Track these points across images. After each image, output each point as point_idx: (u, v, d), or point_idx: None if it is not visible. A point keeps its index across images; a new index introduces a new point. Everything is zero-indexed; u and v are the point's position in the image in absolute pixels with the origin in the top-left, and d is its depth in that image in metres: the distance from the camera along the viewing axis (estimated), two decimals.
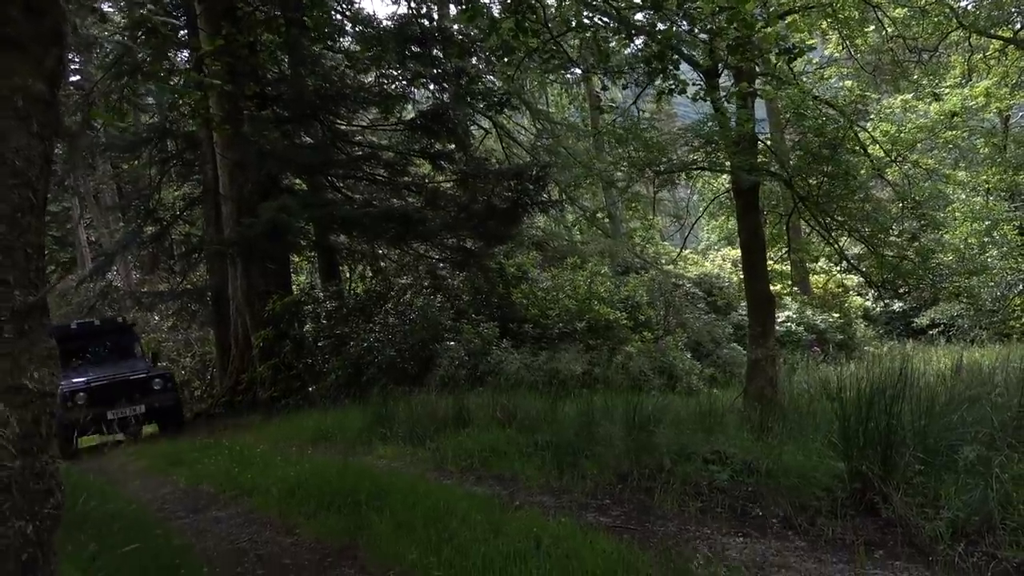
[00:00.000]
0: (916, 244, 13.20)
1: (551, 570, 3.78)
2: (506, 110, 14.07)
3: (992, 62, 19.19)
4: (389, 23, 13.23)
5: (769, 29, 7.80)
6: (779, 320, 17.87)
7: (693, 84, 8.50)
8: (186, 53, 15.75)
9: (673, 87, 7.91)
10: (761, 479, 5.16)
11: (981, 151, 21.61)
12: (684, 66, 8.65)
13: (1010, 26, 18.01)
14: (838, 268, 24.39)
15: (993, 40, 18.18)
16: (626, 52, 9.29)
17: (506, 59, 9.95)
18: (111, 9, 20.13)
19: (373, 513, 5.15)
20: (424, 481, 6.29)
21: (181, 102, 13.69)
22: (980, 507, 4.00)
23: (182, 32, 14.88)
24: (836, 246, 11.52)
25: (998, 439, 4.61)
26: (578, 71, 15.82)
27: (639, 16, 8.74)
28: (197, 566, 4.55)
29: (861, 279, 21.22)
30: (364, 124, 16.32)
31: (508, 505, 5.31)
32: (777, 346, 10.15)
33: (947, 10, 15.05)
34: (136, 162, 17.58)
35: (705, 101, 8.66)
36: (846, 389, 5.65)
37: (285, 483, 6.34)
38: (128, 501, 6.49)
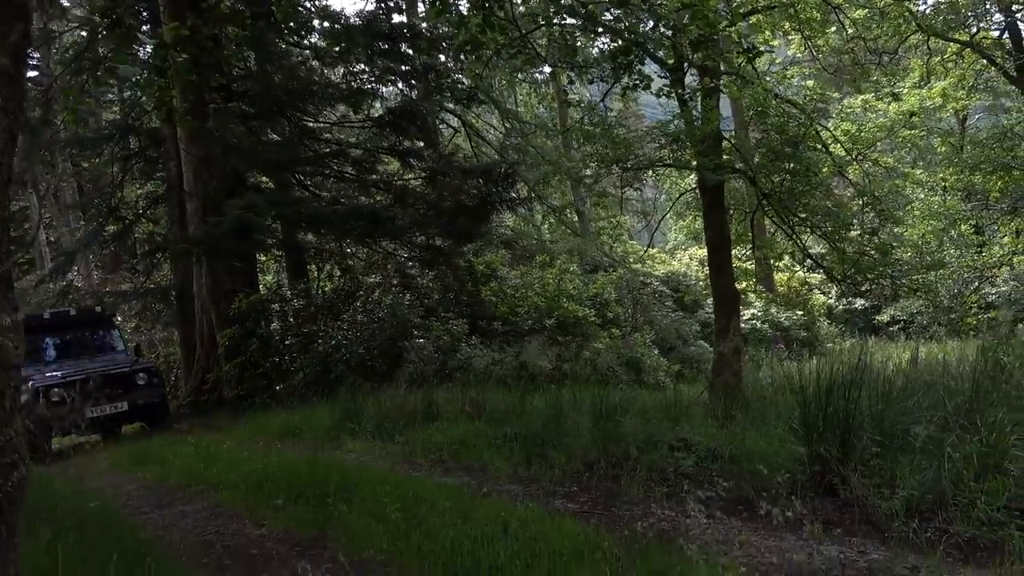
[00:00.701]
0: (876, 240, 13.49)
1: (519, 551, 3.83)
2: (474, 108, 14.09)
3: (950, 64, 19.71)
4: (357, 19, 13.17)
5: (732, 28, 7.96)
6: (744, 318, 18.15)
7: (660, 77, 8.64)
8: (149, 48, 15.48)
9: (638, 83, 8.02)
10: (725, 464, 5.28)
11: (939, 150, 22.17)
12: (651, 65, 8.78)
13: (966, 30, 18.54)
14: (802, 266, 24.81)
15: (950, 43, 18.68)
16: (593, 49, 9.39)
17: (474, 56, 9.97)
18: (68, 3, 19.75)
19: (342, 504, 5.14)
20: (394, 473, 6.31)
21: (143, 97, 13.43)
22: (933, 485, 4.15)
23: (144, 27, 14.64)
24: (799, 242, 11.74)
25: (951, 421, 4.76)
26: (546, 69, 15.93)
27: (606, 13, 8.84)
28: (164, 558, 4.50)
29: (824, 277, 21.60)
30: (332, 121, 16.20)
31: (476, 493, 5.36)
32: (741, 340, 10.33)
33: (906, 13, 15.44)
34: (97, 159, 17.22)
35: (670, 99, 8.80)
36: (808, 379, 5.79)
37: (252, 477, 6.29)
38: (94, 497, 6.39)
